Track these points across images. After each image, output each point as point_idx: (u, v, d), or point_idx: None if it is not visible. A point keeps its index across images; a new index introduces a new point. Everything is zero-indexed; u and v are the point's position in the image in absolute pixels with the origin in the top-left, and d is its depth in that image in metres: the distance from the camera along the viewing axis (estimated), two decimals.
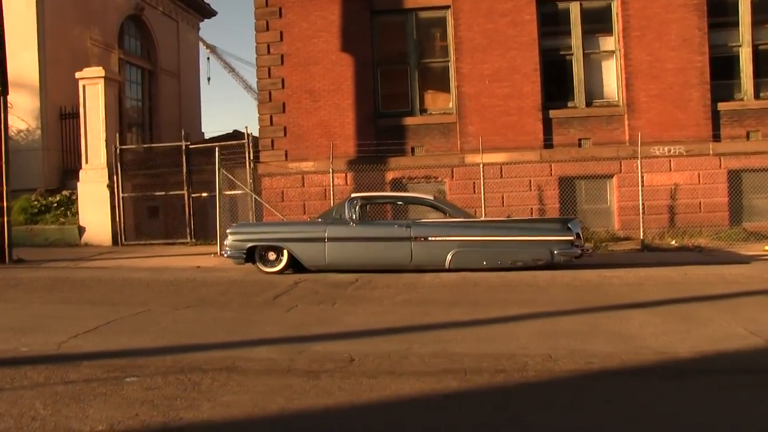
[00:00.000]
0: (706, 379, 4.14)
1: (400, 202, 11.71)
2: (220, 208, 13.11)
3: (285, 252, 9.55)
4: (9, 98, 17.04)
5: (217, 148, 13.11)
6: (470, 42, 14.30)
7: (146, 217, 17.28)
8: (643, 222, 12.64)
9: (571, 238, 9.31)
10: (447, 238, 9.33)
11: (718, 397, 3.73)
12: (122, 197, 14.72)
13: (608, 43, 14.36)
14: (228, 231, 9.94)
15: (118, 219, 14.68)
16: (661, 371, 4.24)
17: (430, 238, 9.35)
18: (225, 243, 9.85)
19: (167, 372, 4.43)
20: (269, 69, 14.75)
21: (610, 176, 14.10)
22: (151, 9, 23.14)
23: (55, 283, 8.73)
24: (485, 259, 9.27)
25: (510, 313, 6.19)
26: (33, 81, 17.16)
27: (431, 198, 10.31)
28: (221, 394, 3.92)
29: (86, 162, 14.81)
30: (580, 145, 14.23)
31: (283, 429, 3.45)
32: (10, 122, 16.98)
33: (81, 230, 14.67)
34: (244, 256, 9.61)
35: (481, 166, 13.08)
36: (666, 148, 13.82)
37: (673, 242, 13.07)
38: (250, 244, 9.60)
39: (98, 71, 14.69)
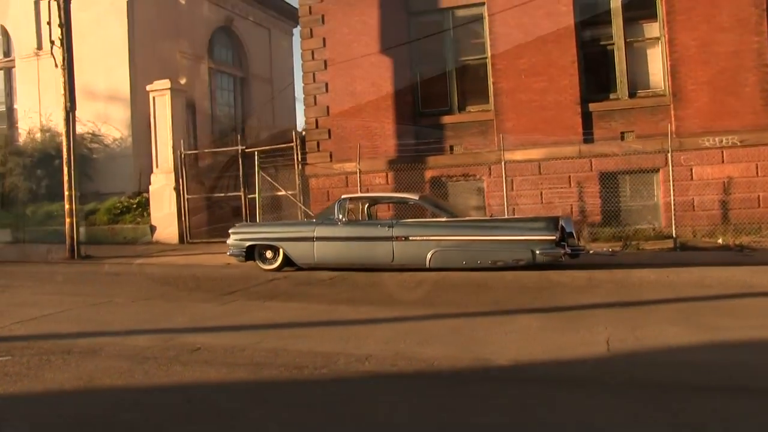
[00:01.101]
0: (481, 386, 4.11)
1: (387, 202, 11.89)
2: (259, 208, 14.07)
3: (280, 251, 10.17)
4: (106, 110, 19.32)
5: (255, 153, 14.05)
6: (506, 37, 14.09)
7: (232, 216, 18.82)
8: (675, 219, 11.83)
9: (553, 237, 9.06)
10: (426, 238, 9.46)
11: (465, 405, 3.72)
12: (187, 198, 16.14)
13: (652, 29, 13.52)
14: (230, 231, 10.76)
15: (183, 219, 16.13)
16: (455, 378, 4.29)
17: (410, 238, 9.53)
18: (227, 242, 10.66)
19: (40, 353, 5.18)
20: (314, 74, 15.48)
21: (656, 170, 13.27)
22: (242, 19, 24.85)
23: (73, 277, 10.06)
24: (464, 259, 9.29)
25: (403, 314, 6.34)
26: (125, 94, 19.20)
27: (416, 198, 10.43)
28: (51, 372, 4.60)
29: (156, 166, 16.43)
30: (622, 139, 13.54)
31: (55, 400, 4.03)
32: (106, 132, 19.25)
33: (152, 229, 16.32)
34: (244, 253, 10.36)
35: (503, 164, 12.90)
36: (717, 139, 12.77)
37: (720, 240, 12.08)
38: (248, 243, 10.34)
39: (165, 83, 16.22)
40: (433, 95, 15.06)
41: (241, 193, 16.11)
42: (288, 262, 10.21)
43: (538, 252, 9.07)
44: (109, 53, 19.20)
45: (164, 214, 16.20)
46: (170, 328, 6.06)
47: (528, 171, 13.79)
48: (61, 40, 13.15)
